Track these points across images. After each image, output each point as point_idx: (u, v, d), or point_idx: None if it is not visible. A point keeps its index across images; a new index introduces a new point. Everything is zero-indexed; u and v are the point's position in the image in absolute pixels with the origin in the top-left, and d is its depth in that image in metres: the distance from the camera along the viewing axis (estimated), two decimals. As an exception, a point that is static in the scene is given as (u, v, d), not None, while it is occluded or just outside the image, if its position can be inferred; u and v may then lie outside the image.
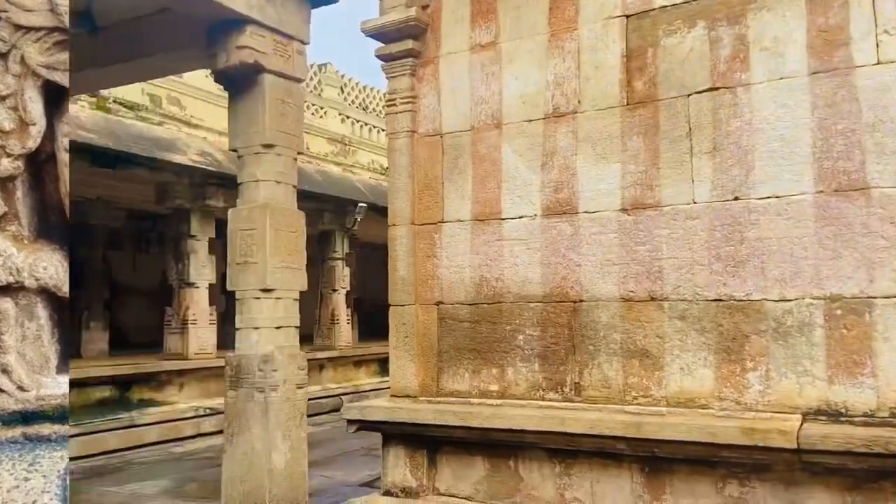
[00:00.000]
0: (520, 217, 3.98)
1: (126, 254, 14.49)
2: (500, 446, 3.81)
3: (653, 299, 3.59)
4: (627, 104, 3.75)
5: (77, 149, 8.14)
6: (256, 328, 4.84)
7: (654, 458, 3.42)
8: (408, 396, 4.16)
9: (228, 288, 5.02)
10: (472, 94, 4.20)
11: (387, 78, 4.47)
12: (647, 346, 3.59)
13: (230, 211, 5.08)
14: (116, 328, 14.11)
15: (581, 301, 3.77)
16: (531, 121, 4.00)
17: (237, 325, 4.95)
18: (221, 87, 5.40)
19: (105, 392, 8.85)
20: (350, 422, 4.10)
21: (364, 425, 4.08)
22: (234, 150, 5.17)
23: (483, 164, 4.13)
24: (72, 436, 8.05)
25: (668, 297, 3.56)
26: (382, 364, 13.30)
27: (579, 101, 3.88)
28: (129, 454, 8.30)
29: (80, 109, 8.64)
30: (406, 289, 4.23)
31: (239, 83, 5.12)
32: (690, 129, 3.57)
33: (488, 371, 3.99)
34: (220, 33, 5.00)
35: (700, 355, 3.47)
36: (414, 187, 4.30)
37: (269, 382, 4.80)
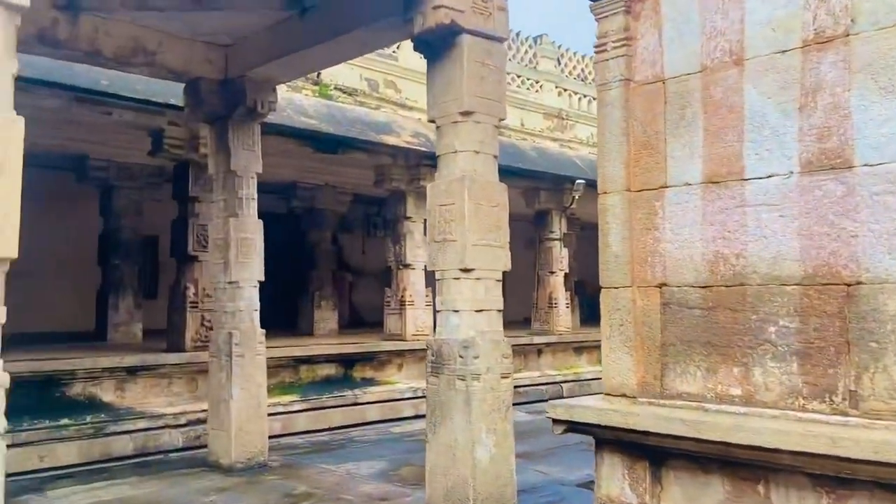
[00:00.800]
0: (769, 176, 3.11)
1: (356, 237, 15.21)
2: (745, 465, 3.01)
3: (973, 281, 2.57)
4: (928, 14, 2.73)
5: (301, 135, 8.47)
6: (456, 311, 4.47)
7: (975, 502, 2.44)
8: (624, 396, 3.50)
9: (428, 268, 4.71)
10: (704, 27, 3.39)
11: (596, 19, 3.80)
12: (964, 347, 2.58)
13: (428, 186, 4.75)
14: (353, 308, 14.93)
15: (859, 283, 2.84)
16: (784, 52, 3.10)
17: (437, 308, 4.62)
18: (421, 55, 5.09)
19: (331, 369, 9.19)
20: (556, 422, 3.54)
21: (572, 427, 3.50)
22: (432, 121, 4.83)
23: (718, 111, 3.31)
24: (300, 410, 8.45)
25: None
26: (605, 351, 12.48)
27: (852, 20, 2.92)
28: (351, 431, 8.52)
29: (304, 97, 8.99)
30: (620, 268, 3.56)
31: (436, 48, 4.76)
32: None
33: (727, 370, 3.19)
34: (416, -4, 4.67)
35: None
36: (629, 147, 3.60)
37: (470, 370, 4.41)
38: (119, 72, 6.81)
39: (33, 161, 9.82)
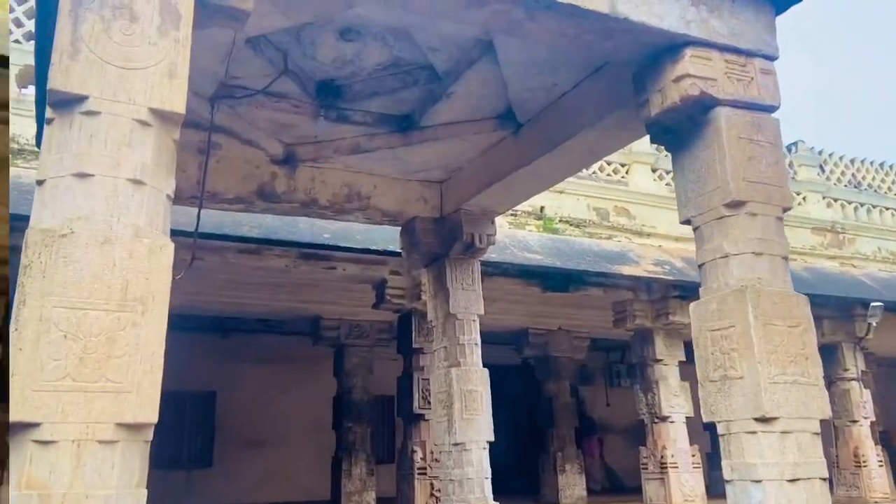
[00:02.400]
0: None
1: (598, 387, 13.77)
2: None
3: None
4: None
5: (527, 273, 7.69)
6: (757, 481, 3.06)
7: None
8: None
9: (704, 418, 3.39)
10: None
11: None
12: None
13: (691, 306, 3.54)
14: (603, 470, 13.21)
15: None
16: None
17: (726, 476, 3.24)
18: (662, 148, 4.12)
19: (582, 549, 7.65)
20: None
21: None
22: (687, 223, 3.71)
23: None
24: None
25: None
26: (949, 526, 9.41)
27: None
28: None
29: (527, 233, 8.32)
30: None
31: (681, 131, 3.74)
32: None
33: None
34: (649, 73, 3.76)
35: None
36: None
37: (791, 576, 2.90)
38: (340, 223, 6.68)
39: (274, 328, 10.17)
